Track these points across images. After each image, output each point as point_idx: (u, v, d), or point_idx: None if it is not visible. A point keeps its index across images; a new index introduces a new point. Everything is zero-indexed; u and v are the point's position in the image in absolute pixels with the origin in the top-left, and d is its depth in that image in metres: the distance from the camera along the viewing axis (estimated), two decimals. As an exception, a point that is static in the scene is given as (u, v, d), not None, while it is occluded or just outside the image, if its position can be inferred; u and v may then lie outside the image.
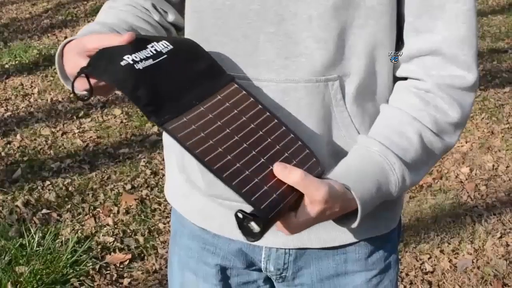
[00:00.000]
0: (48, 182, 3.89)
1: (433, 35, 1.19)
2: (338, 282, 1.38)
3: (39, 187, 3.84)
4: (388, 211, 1.36)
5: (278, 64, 1.18)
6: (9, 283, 2.97)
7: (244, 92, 1.16)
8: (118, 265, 3.22)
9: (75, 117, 4.78)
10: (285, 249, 1.34)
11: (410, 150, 1.18)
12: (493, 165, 4.22)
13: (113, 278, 3.13)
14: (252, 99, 1.15)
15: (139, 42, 1.10)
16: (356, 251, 1.36)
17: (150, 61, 1.09)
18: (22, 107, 4.90)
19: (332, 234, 1.32)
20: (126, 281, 3.12)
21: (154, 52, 1.11)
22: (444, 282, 3.15)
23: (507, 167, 4.19)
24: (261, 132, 1.11)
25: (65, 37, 6.46)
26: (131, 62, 1.06)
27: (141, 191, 3.85)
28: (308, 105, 1.19)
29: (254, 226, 1.00)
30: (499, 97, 5.19)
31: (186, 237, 1.44)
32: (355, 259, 1.37)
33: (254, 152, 1.08)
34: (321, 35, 1.16)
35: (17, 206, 3.62)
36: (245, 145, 1.08)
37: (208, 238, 1.40)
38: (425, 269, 3.23)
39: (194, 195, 1.36)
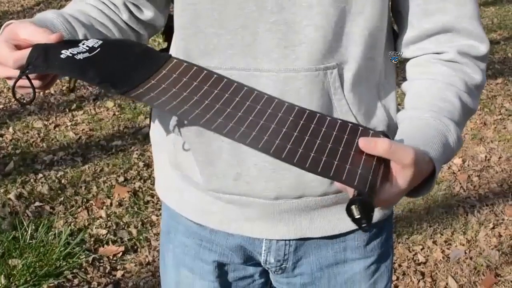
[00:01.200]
0: (40, 175, 3.88)
1: (444, 15, 1.23)
2: (337, 270, 1.39)
3: (31, 180, 3.83)
4: None
5: (278, 54, 1.18)
6: (2, 276, 2.97)
7: (185, 63, 1.19)
8: (111, 258, 3.22)
9: (67, 110, 4.77)
10: (285, 240, 1.34)
11: (455, 112, 1.20)
12: (486, 156, 4.23)
13: (106, 271, 3.13)
14: (196, 67, 1.18)
15: (69, 41, 1.13)
16: (355, 238, 1.37)
17: (87, 54, 1.10)
18: (14, 100, 4.88)
19: (332, 222, 1.32)
20: (119, 273, 3.12)
21: (87, 48, 1.12)
22: (436, 273, 3.16)
23: (499, 158, 4.20)
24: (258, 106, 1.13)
25: (57, 30, 6.45)
26: (71, 55, 1.07)
27: (134, 183, 3.85)
28: (308, 94, 1.18)
29: (355, 211, 0.97)
30: (492, 88, 5.20)
31: (181, 234, 1.43)
32: (354, 247, 1.37)
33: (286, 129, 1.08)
34: (320, 23, 1.16)
35: (9, 199, 3.61)
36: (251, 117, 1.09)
37: (205, 234, 1.39)
38: (418, 260, 3.24)
39: (190, 191, 1.35)
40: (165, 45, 1.44)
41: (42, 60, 1.06)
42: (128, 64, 1.14)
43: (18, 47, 1.10)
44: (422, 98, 1.23)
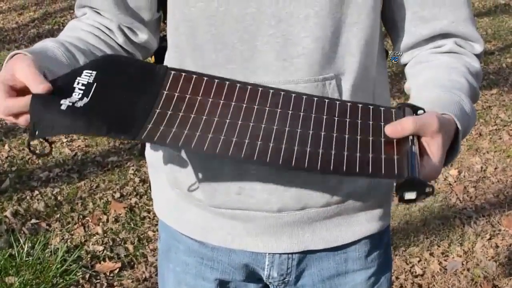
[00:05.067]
0: (36, 192, 3.88)
1: (440, 21, 1.27)
2: (339, 281, 1.39)
3: (28, 197, 3.82)
4: (382, 208, 1.38)
5: (277, 66, 1.18)
6: (-1, 294, 2.96)
7: (184, 74, 1.16)
8: (108, 274, 3.21)
9: (63, 126, 4.77)
10: (288, 253, 1.34)
11: (464, 89, 1.21)
12: (482, 167, 4.23)
13: (103, 287, 3.12)
14: (195, 76, 1.16)
15: (63, 83, 1.09)
16: (356, 250, 1.38)
17: (85, 100, 1.08)
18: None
19: (334, 234, 1.33)
20: (116, 290, 3.12)
21: (83, 88, 1.09)
22: (434, 285, 3.15)
23: (495, 168, 4.21)
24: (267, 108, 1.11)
25: (52, 46, 6.45)
26: (70, 104, 1.05)
27: (130, 199, 3.84)
28: None
29: (411, 195, 0.98)
30: (487, 99, 5.21)
31: (182, 253, 1.42)
32: (355, 258, 1.38)
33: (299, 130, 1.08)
34: (318, 34, 1.17)
35: (6, 216, 3.60)
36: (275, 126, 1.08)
37: (207, 252, 1.38)
38: (415, 272, 3.24)
39: (191, 209, 1.35)
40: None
41: (47, 123, 1.04)
42: (129, 95, 1.12)
43: (14, 88, 1.08)
44: (428, 84, 1.24)
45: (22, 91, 1.08)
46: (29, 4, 7.75)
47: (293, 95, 1.14)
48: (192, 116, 1.09)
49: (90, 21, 1.33)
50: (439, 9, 1.26)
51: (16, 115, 1.09)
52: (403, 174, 0.98)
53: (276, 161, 1.03)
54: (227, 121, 1.09)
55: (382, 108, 1.12)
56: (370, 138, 1.06)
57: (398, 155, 1.02)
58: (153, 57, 1.43)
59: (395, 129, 1.04)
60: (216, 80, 1.15)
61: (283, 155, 1.03)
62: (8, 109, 1.07)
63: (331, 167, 1.02)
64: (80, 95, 1.08)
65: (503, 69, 5.90)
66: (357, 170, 1.01)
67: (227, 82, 1.15)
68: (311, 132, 1.07)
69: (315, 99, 1.13)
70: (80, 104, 1.06)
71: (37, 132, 1.05)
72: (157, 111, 1.10)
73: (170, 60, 1.30)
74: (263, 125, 1.08)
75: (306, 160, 1.03)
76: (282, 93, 1.14)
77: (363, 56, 1.22)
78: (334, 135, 1.07)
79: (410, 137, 1.03)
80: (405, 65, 1.35)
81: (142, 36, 1.36)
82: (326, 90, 1.20)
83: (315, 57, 1.18)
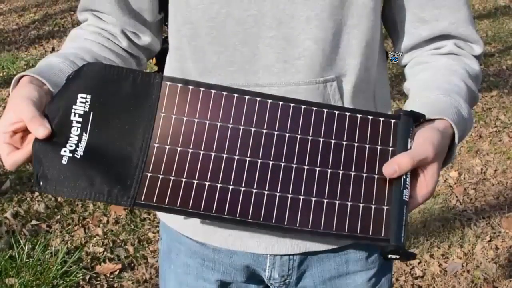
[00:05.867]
0: (37, 193, 3.88)
1: (440, 22, 1.27)
2: (339, 283, 1.39)
3: (28, 199, 3.82)
4: None
5: (278, 68, 1.19)
6: (-1, 295, 2.96)
7: (180, 85, 1.12)
8: (108, 275, 3.21)
9: (63, 128, 4.77)
10: (289, 255, 1.34)
11: (462, 93, 1.21)
12: (482, 169, 4.23)
13: (104, 289, 3.12)
14: (191, 88, 1.12)
15: (60, 122, 1.08)
16: (357, 251, 1.37)
17: (84, 137, 1.07)
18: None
19: None
20: (116, 291, 3.12)
21: (80, 119, 1.08)
22: (434, 287, 3.16)
23: (495, 170, 4.21)
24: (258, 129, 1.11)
25: (53, 48, 6.46)
26: (70, 155, 1.05)
27: (131, 200, 3.84)
28: None
29: (395, 256, 1.02)
30: (487, 101, 5.21)
31: (184, 254, 1.42)
32: (356, 259, 1.38)
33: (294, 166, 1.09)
34: (319, 36, 1.17)
35: (6, 217, 3.60)
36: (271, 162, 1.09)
37: (208, 253, 1.38)
38: (415, 274, 3.24)
39: None
40: (155, 68, 1.45)
41: (50, 182, 1.04)
42: (126, 124, 1.10)
43: (16, 131, 1.07)
44: (428, 84, 1.25)
45: (26, 130, 1.07)
46: (29, 5, 7.75)
47: (292, 105, 1.12)
48: (191, 151, 1.08)
49: (92, 28, 1.33)
50: (439, 11, 1.26)
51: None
52: (389, 239, 1.02)
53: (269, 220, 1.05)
54: (224, 156, 1.08)
55: (381, 119, 1.12)
56: (364, 175, 1.07)
57: (388, 205, 1.04)
58: (154, 59, 1.43)
59: (392, 169, 1.04)
60: (213, 91, 1.11)
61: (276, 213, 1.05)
62: (15, 163, 1.08)
63: (321, 227, 1.05)
64: (79, 132, 1.07)
65: (503, 71, 5.91)
66: (346, 230, 1.04)
67: (225, 94, 1.11)
68: (306, 168, 1.08)
69: (314, 109, 1.11)
70: (79, 152, 1.05)
71: (41, 185, 1.05)
72: (155, 145, 1.09)
73: (171, 62, 1.30)
74: (259, 161, 1.08)
75: (298, 219, 1.05)
76: (280, 103, 1.12)
77: (364, 57, 1.23)
78: (328, 171, 1.07)
79: (404, 176, 1.04)
80: (404, 66, 1.35)
81: (145, 38, 1.36)
82: (327, 92, 1.20)
83: (316, 59, 1.18)
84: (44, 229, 3.54)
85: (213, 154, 1.08)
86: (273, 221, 1.04)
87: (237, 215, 1.05)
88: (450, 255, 3.39)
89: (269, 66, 1.19)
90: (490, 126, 4.79)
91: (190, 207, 1.05)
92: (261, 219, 1.04)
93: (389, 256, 1.01)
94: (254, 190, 1.06)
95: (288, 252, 1.33)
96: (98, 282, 3.16)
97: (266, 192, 1.05)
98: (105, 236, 3.51)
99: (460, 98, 1.19)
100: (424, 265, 3.31)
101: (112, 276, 3.21)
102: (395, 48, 1.34)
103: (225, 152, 1.09)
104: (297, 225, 1.04)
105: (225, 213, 1.05)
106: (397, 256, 1.01)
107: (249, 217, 1.04)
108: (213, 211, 1.05)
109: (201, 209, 1.05)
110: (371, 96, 1.29)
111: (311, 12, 1.16)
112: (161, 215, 1.46)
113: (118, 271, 3.24)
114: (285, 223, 1.04)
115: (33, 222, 3.59)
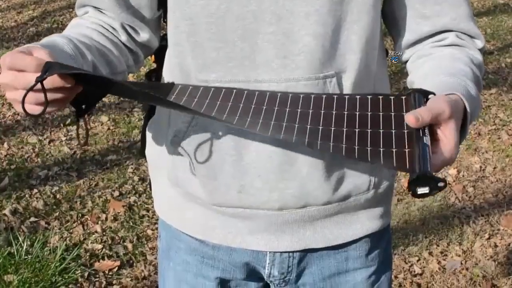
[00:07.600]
0: (35, 190, 3.87)
1: (441, 18, 1.28)
2: (339, 280, 1.40)
3: (26, 195, 3.82)
4: (383, 206, 1.39)
5: (277, 64, 1.19)
6: (-2, 292, 2.96)
7: (191, 86, 1.20)
8: (107, 272, 3.21)
9: (62, 125, 4.76)
10: (289, 252, 1.34)
11: (468, 76, 1.22)
12: (481, 167, 4.23)
13: (102, 286, 3.11)
14: (202, 87, 1.20)
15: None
16: (356, 248, 1.38)
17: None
18: (9, 116, 4.88)
19: (335, 232, 1.33)
20: (115, 288, 3.12)
21: None
22: (433, 284, 3.16)
23: (494, 168, 4.21)
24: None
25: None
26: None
27: (129, 197, 3.84)
28: None
29: (424, 190, 0.99)
30: (486, 98, 5.21)
31: (183, 252, 1.42)
32: (356, 257, 1.38)
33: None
34: (318, 32, 1.17)
35: (4, 214, 3.60)
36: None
37: (207, 250, 1.38)
38: (414, 271, 3.24)
39: (192, 208, 1.35)
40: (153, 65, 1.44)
41: (60, 65, 1.00)
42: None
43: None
44: (434, 70, 1.25)
45: None
46: (28, 2, 7.73)
47: (302, 95, 1.15)
48: (204, 107, 1.15)
49: (93, 19, 1.33)
50: (440, 7, 1.27)
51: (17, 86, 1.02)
52: (415, 168, 0.99)
53: (302, 138, 1.07)
54: (252, 106, 1.13)
55: (392, 97, 1.13)
56: (381, 131, 1.07)
57: (409, 148, 1.02)
58: (153, 56, 1.43)
59: (415, 117, 1.03)
60: (224, 89, 1.17)
61: (308, 135, 1.07)
62: (15, 58, 1.01)
63: (343, 153, 1.04)
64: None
65: (502, 69, 5.90)
66: (369, 159, 1.03)
67: (235, 90, 1.17)
68: (320, 128, 1.09)
69: (324, 96, 1.15)
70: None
71: (48, 71, 0.98)
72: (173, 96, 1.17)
73: (170, 58, 1.30)
74: (287, 109, 1.12)
75: (319, 141, 1.06)
76: (290, 94, 1.15)
77: (363, 53, 1.23)
78: (344, 129, 1.08)
79: (422, 129, 1.03)
80: (406, 62, 1.35)
81: (144, 35, 1.35)
82: (327, 88, 1.20)
83: (316, 55, 1.18)
84: (42, 226, 3.53)
85: (229, 104, 1.14)
86: (306, 140, 1.07)
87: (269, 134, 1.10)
88: (449, 252, 3.39)
89: (269, 61, 1.19)
90: (489, 124, 4.79)
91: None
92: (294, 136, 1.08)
93: (419, 192, 0.99)
94: (284, 124, 1.10)
95: (287, 249, 1.32)
96: (97, 279, 3.16)
97: (296, 126, 1.09)
98: (104, 233, 3.50)
99: (467, 79, 1.19)
100: (423, 262, 3.31)
101: (110, 273, 3.21)
102: (396, 44, 1.34)
103: (253, 104, 1.14)
104: (318, 146, 1.06)
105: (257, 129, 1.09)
106: (426, 189, 0.98)
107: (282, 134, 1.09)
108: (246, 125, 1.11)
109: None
110: (370, 92, 1.28)
111: (311, 8, 1.16)
112: (160, 213, 1.46)
113: (116, 268, 3.24)
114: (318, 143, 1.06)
115: (32, 219, 3.59)
